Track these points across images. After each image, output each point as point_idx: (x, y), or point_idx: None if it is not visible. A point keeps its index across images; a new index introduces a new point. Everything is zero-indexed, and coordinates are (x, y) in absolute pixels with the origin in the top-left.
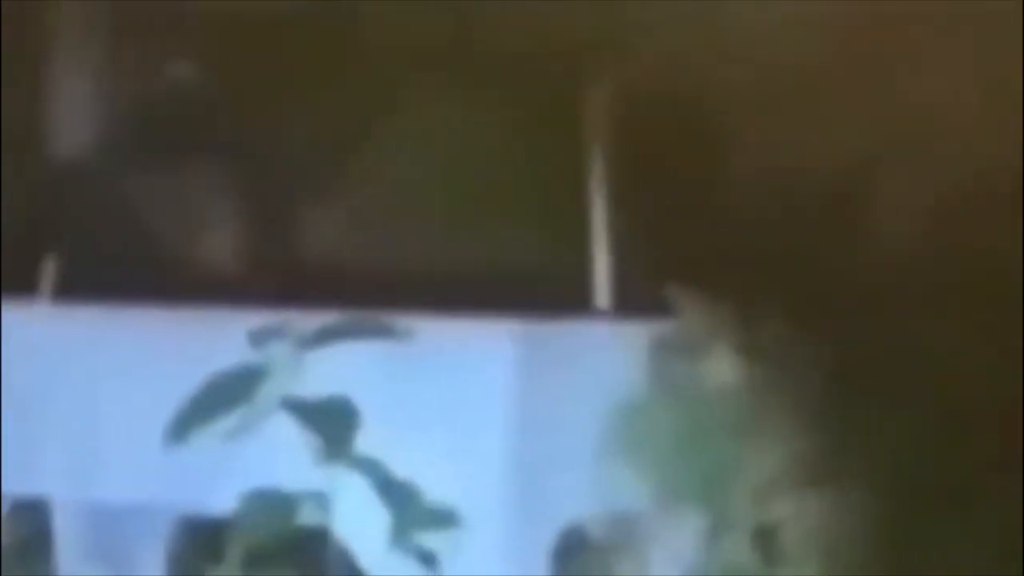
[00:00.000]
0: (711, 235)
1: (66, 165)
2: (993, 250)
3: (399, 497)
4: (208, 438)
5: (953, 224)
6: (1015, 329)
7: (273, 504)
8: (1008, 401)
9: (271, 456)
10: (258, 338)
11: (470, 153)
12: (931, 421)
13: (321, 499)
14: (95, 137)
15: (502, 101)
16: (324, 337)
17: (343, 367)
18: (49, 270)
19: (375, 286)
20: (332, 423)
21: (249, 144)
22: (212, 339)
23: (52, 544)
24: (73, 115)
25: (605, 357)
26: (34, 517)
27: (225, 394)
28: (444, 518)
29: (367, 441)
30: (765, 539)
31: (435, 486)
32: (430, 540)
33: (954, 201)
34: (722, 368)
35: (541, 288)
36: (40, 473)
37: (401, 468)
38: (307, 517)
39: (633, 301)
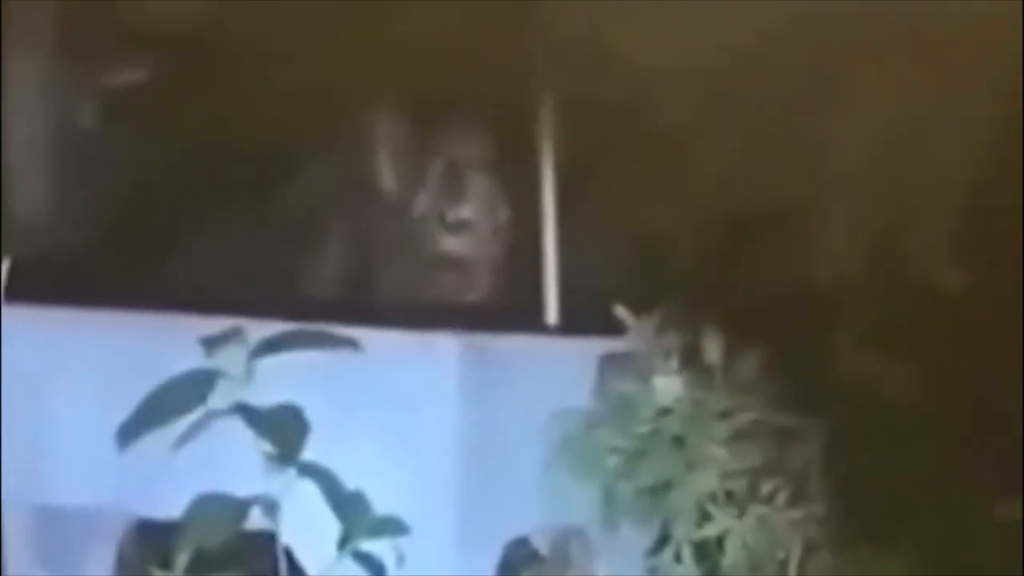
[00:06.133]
0: (659, 255)
1: (21, 168)
2: (929, 276)
3: (348, 506)
4: (159, 442)
5: (896, 250)
6: (956, 345)
7: (222, 508)
8: (949, 414)
9: (221, 461)
10: (211, 344)
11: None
12: (872, 439)
13: (270, 505)
14: (50, 140)
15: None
16: (275, 346)
17: (293, 376)
18: (3, 271)
19: (326, 297)
20: (282, 431)
21: (206, 150)
22: (165, 344)
23: (1, 546)
24: (28, 118)
25: (552, 372)
26: None
27: (177, 399)
28: (392, 528)
29: (315, 450)
30: (707, 553)
31: (382, 496)
32: (378, 549)
33: (896, 226)
34: (667, 386)
35: (492, 304)
36: None
37: (348, 478)
38: (255, 522)
39: (581, 318)
